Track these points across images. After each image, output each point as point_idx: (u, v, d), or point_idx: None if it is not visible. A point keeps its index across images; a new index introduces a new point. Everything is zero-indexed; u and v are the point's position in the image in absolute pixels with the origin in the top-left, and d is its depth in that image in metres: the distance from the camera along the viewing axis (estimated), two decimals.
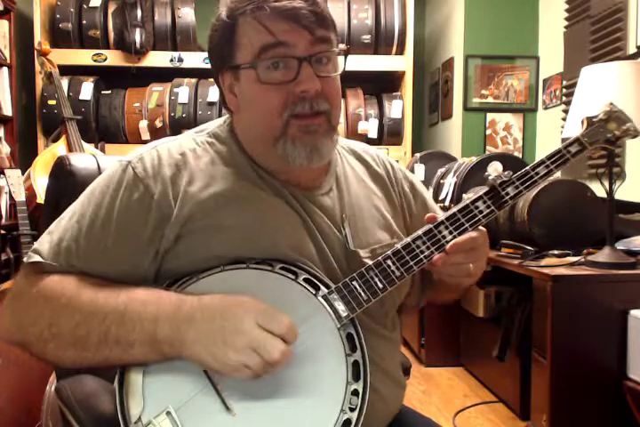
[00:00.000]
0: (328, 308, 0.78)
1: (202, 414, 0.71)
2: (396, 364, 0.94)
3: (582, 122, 0.90)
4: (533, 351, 1.94)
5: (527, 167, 0.86)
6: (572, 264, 1.93)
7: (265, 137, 0.82)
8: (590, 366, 1.80)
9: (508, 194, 0.84)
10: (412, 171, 3.36)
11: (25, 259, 0.81)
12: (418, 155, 3.44)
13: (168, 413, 0.70)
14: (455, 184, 2.77)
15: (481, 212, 0.83)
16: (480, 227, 0.84)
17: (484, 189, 0.85)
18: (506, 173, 0.85)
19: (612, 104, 0.91)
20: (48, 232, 0.82)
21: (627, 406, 1.76)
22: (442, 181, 2.98)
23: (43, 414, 1.55)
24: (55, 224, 0.82)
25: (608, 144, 0.90)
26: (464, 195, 2.65)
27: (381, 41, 3.68)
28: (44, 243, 0.81)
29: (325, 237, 0.85)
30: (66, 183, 1.02)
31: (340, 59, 0.84)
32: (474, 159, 2.79)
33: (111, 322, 0.72)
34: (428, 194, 1.04)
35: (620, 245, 1.99)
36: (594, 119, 0.90)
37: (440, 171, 3.14)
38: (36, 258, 0.79)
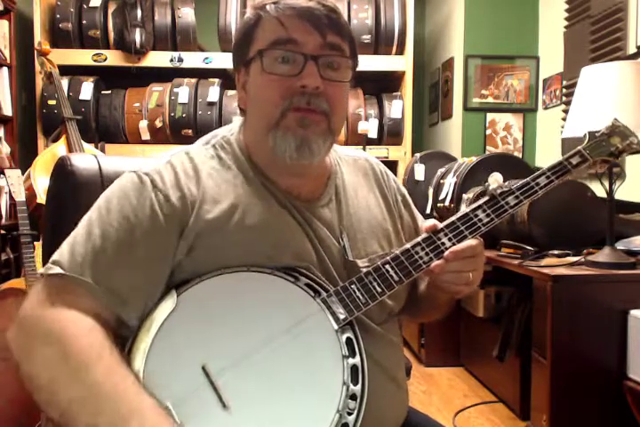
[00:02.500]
0: (326, 310, 0.79)
1: (199, 410, 0.72)
2: (402, 370, 0.95)
3: (584, 136, 0.92)
4: (533, 351, 1.94)
5: (528, 178, 0.87)
6: (572, 264, 1.94)
7: (261, 128, 0.83)
8: (590, 366, 1.80)
9: (508, 203, 0.85)
10: (412, 171, 3.36)
11: (43, 270, 0.77)
12: (418, 155, 3.44)
13: (166, 408, 0.71)
14: (455, 184, 2.77)
15: (480, 220, 0.84)
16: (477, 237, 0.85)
17: (485, 198, 0.86)
18: (506, 183, 0.87)
19: (616, 120, 0.93)
20: (68, 243, 0.78)
21: (627, 406, 1.76)
22: (442, 181, 2.98)
23: (43, 414, 1.55)
24: (75, 235, 0.79)
25: (611, 157, 0.92)
26: (464, 195, 2.65)
27: (381, 41, 3.68)
28: (65, 254, 0.77)
29: (325, 248, 0.86)
30: (67, 184, 1.01)
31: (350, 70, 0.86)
32: (474, 159, 2.79)
33: (76, 405, 0.68)
34: (415, 208, 1.05)
35: (620, 245, 1.99)
36: (596, 133, 0.92)
37: (440, 171, 3.13)
38: (57, 270, 0.75)
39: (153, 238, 0.78)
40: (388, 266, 0.82)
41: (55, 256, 0.77)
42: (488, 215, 0.85)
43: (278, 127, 0.81)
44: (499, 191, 0.86)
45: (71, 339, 0.71)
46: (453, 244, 0.83)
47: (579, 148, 0.90)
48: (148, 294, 0.78)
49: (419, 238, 0.84)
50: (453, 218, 0.85)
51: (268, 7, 0.81)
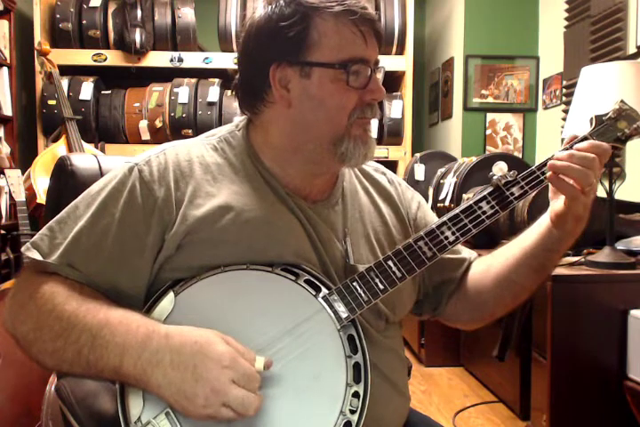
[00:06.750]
0: (328, 309, 0.78)
1: None
2: (404, 377, 0.94)
3: (591, 120, 0.87)
4: (533, 351, 1.94)
5: (533, 167, 0.83)
6: (571, 264, 1.93)
7: (324, 134, 0.82)
8: (590, 366, 1.80)
9: (512, 194, 0.82)
10: (412, 171, 3.36)
11: (23, 249, 0.81)
12: (418, 155, 3.44)
13: (167, 413, 0.70)
14: (455, 184, 2.77)
15: (485, 212, 0.82)
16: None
17: (489, 189, 0.83)
18: (511, 172, 0.83)
19: (622, 102, 0.87)
20: (48, 228, 0.81)
21: (627, 406, 1.76)
22: (442, 181, 2.98)
23: (43, 414, 1.55)
24: (56, 221, 0.81)
25: (618, 143, 0.87)
26: (464, 195, 2.65)
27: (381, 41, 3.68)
28: (45, 239, 0.80)
29: (327, 249, 0.85)
30: (67, 183, 1.01)
31: None
32: (474, 159, 2.79)
33: (84, 343, 0.72)
34: (433, 214, 1.02)
35: (620, 245, 1.99)
36: (603, 117, 0.86)
37: (440, 171, 3.14)
38: (36, 255, 0.79)
39: (131, 229, 0.78)
40: (390, 262, 0.80)
41: (35, 238, 0.81)
42: (492, 207, 0.82)
43: (348, 136, 0.82)
44: (503, 181, 0.82)
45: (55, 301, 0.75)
46: (457, 237, 0.81)
47: (585, 133, 0.85)
48: (125, 278, 0.79)
49: (421, 232, 0.82)
50: (457, 210, 0.82)
51: (339, 13, 0.79)
